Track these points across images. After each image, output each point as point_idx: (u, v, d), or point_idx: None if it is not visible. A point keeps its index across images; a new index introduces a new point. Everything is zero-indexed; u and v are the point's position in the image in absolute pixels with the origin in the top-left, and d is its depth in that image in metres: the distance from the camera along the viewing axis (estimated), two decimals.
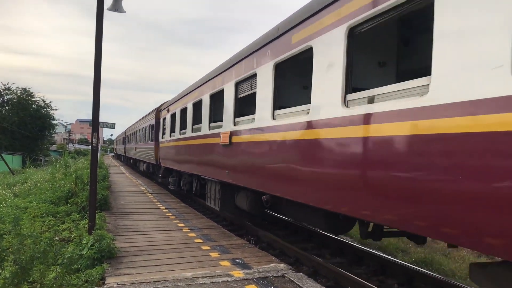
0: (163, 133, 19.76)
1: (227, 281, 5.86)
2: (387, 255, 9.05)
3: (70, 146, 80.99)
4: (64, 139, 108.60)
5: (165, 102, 21.37)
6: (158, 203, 14.37)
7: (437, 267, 9.03)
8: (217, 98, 11.31)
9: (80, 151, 65.63)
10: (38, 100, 55.53)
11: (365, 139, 4.98)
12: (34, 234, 7.17)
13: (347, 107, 5.38)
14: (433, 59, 3.97)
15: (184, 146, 14.75)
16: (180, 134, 15.62)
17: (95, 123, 7.75)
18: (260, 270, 6.45)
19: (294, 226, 11.50)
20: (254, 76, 8.45)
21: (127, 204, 13.75)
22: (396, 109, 4.45)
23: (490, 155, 3.39)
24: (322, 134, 5.90)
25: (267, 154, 7.71)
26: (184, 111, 15.19)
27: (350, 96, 5.36)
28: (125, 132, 45.51)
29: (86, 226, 8.28)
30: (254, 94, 8.31)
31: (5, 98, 53.66)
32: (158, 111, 22.24)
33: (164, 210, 12.63)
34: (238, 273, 6.23)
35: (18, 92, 54.02)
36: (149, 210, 12.57)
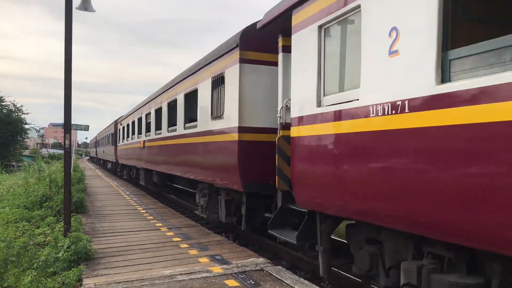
0: (119, 139, 27.33)
1: (206, 277, 5.88)
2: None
3: (44, 151, 79.24)
4: (37, 143, 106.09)
5: (121, 116, 28.52)
6: (136, 204, 14.24)
7: None
8: (140, 120, 19.42)
9: (54, 156, 64.21)
10: (9, 105, 54.20)
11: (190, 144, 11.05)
12: (8, 239, 7.03)
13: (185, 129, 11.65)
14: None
15: (128, 148, 22.83)
16: (126, 140, 23.66)
17: (67, 124, 7.64)
18: (239, 264, 6.49)
19: None
20: (149, 113, 17.26)
21: (104, 206, 13.58)
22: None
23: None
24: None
25: (154, 151, 15.73)
26: (128, 126, 23.30)
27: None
28: (96, 137, 53.25)
29: (61, 229, 8.15)
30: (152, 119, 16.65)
31: None
32: (116, 123, 29.40)
33: (142, 211, 12.54)
34: (217, 269, 6.25)
35: None
36: (127, 212, 12.45)
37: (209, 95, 9.55)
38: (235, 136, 8.01)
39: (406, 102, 3.86)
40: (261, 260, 6.78)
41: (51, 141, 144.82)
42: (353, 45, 4.92)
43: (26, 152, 69.01)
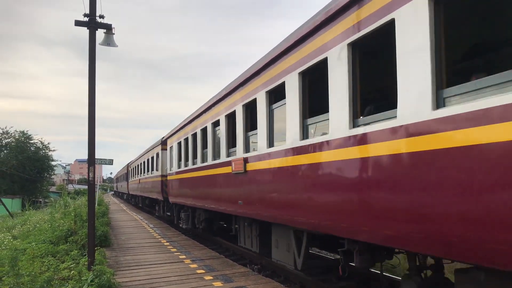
0: (129, 177, 38.82)
1: None
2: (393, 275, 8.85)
3: (70, 187, 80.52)
4: (63, 179, 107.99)
5: (131, 161, 39.56)
6: (159, 237, 14.17)
7: None
8: (137, 167, 32.11)
9: (79, 191, 65.14)
10: (36, 142, 55.61)
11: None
12: (33, 273, 7.01)
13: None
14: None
15: (133, 183, 34.78)
16: (132, 178, 35.75)
17: (91, 157, 7.72)
18: None
19: None
20: (139, 164, 30.76)
21: (128, 239, 13.56)
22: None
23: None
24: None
25: (142, 185, 28.10)
26: (132, 169, 35.85)
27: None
28: (116, 174, 70.58)
29: (86, 263, 8.12)
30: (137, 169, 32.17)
31: (4, 142, 53.70)
32: (128, 166, 41.33)
33: (166, 243, 12.44)
34: None
35: (17, 135, 54.10)
36: (150, 244, 12.38)
37: (155, 160, 22.36)
38: (159, 178, 20.26)
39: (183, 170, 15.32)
40: None
41: (77, 177, 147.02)
42: (173, 157, 17.58)
43: (53, 189, 70.05)
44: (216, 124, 11.29)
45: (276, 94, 7.50)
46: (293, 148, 6.50)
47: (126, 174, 41.83)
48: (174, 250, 11.17)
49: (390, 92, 5.08)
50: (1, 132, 53.49)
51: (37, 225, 17.36)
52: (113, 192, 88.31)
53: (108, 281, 6.65)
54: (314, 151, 5.81)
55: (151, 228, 17.16)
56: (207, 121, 12.05)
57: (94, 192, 7.95)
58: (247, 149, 8.89)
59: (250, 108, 8.99)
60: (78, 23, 8.32)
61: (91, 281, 6.60)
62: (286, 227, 7.42)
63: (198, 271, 8.32)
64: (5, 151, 53.19)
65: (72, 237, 12.38)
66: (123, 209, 32.91)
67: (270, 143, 7.56)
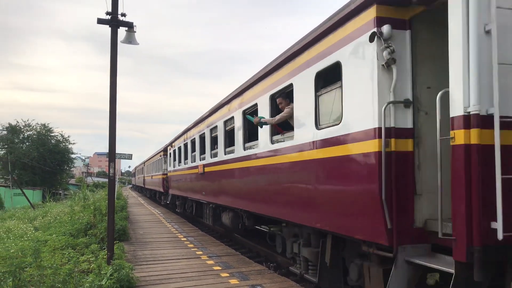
0: (136, 175, 59.05)
1: None
2: None
3: (89, 179, 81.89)
4: (82, 172, 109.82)
5: (136, 165, 63.20)
6: (176, 232, 14.34)
7: None
8: (142, 169, 48.30)
9: (98, 184, 66.19)
10: (57, 135, 56.64)
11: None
12: (54, 265, 7.19)
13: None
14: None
15: (139, 178, 51.98)
16: (139, 175, 52.02)
17: (111, 153, 7.87)
18: None
19: None
20: (144, 166, 45.42)
21: (145, 234, 13.76)
22: None
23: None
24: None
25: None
26: (139, 170, 53.68)
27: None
28: (134, 169, 79.15)
29: (105, 256, 8.29)
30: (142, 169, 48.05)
31: (26, 134, 54.88)
32: (135, 167, 64.13)
33: (183, 239, 12.59)
34: None
35: (38, 128, 55.20)
36: (168, 239, 12.54)
37: (141, 169, 48.71)
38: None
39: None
40: None
41: (95, 170, 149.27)
42: (139, 172, 55.08)
43: (72, 181, 71.30)
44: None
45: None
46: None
47: (134, 173, 69.64)
48: (191, 245, 11.30)
49: None
50: (23, 124, 54.68)
51: (58, 217, 17.74)
52: (131, 185, 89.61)
53: (127, 276, 6.78)
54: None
55: (168, 223, 17.36)
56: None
57: (114, 187, 8.11)
58: None
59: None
60: (100, 21, 8.45)
61: (111, 275, 6.73)
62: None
63: (215, 268, 8.42)
64: (27, 143, 54.33)
65: (91, 230, 12.61)
66: (141, 203, 33.33)
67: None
